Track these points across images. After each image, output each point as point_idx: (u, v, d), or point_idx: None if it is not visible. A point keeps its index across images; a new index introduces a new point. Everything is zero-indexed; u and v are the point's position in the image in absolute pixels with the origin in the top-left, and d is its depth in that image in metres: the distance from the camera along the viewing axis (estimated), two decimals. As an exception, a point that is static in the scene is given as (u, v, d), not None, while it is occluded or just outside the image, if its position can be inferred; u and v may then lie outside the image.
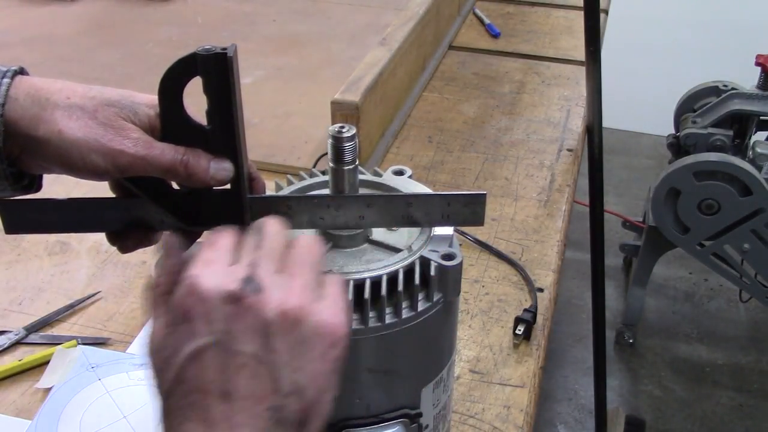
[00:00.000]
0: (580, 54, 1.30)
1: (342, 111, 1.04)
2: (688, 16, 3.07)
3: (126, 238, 0.56)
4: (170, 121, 0.52)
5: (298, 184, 0.62)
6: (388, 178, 0.63)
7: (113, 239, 0.56)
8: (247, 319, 0.43)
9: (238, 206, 0.55)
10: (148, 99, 0.53)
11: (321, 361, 0.44)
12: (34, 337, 0.84)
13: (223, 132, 0.52)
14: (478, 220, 0.56)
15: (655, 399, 2.13)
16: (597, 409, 1.69)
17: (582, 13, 1.21)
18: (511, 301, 0.92)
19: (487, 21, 1.68)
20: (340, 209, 0.55)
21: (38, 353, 0.81)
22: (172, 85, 0.51)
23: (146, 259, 0.95)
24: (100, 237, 0.99)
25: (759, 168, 1.86)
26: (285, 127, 1.22)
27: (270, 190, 0.62)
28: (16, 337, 0.83)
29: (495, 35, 1.63)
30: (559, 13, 1.76)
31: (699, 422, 2.06)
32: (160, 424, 0.43)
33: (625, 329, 2.26)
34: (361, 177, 0.60)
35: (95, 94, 0.52)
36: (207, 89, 0.50)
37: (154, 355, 0.45)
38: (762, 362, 2.23)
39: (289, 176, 0.63)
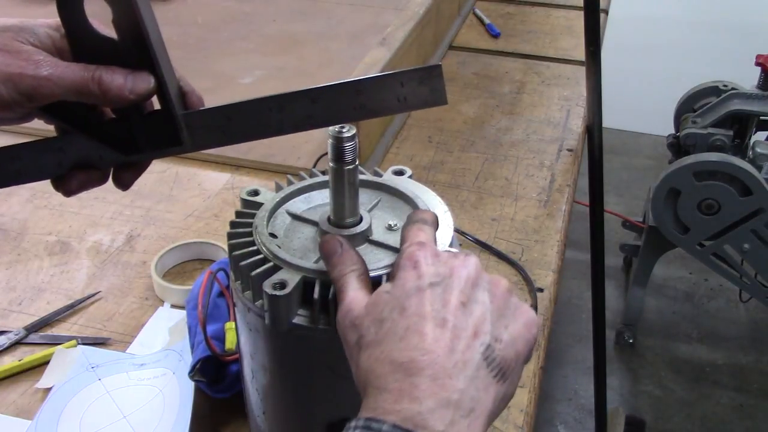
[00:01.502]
0: (580, 54, 1.30)
1: (342, 111, 1.04)
2: (688, 16, 3.07)
3: (68, 180, 0.53)
4: (77, 40, 0.49)
5: (298, 184, 0.62)
6: (388, 178, 0.63)
7: (56, 184, 0.53)
8: (469, 270, 0.48)
9: (171, 124, 0.51)
10: (51, 21, 0.51)
11: (522, 330, 0.47)
12: (34, 337, 0.84)
13: (135, 41, 0.48)
14: (439, 99, 0.51)
15: (655, 399, 2.13)
16: (597, 409, 1.69)
17: (582, 13, 1.21)
18: (511, 301, 0.92)
19: (487, 21, 1.68)
20: (284, 111, 0.51)
21: (38, 353, 0.81)
22: None
23: (146, 259, 0.95)
24: (100, 237, 1.00)
25: (759, 168, 1.86)
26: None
27: (270, 191, 0.62)
28: (16, 337, 0.83)
29: (495, 35, 1.63)
30: (559, 13, 1.76)
31: (699, 422, 2.06)
32: (362, 356, 0.46)
33: (625, 329, 2.26)
34: (361, 177, 0.60)
35: None
36: None
37: (367, 305, 0.48)
38: (762, 362, 2.23)
39: (289, 176, 0.63)
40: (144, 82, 0.49)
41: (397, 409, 0.41)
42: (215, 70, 1.40)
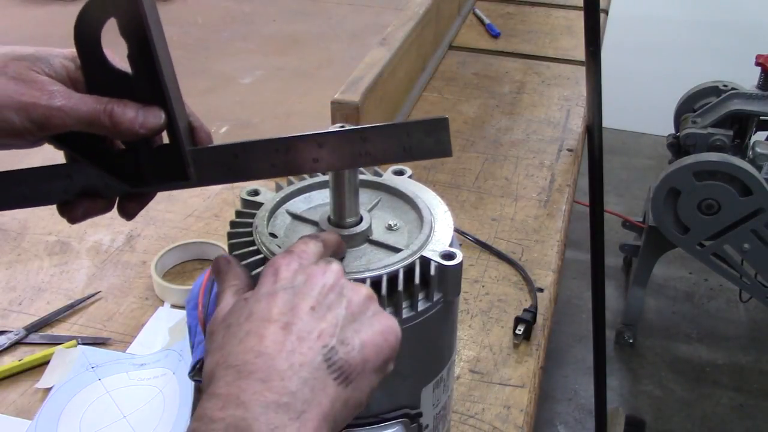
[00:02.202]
0: (580, 54, 1.30)
1: (342, 111, 1.04)
2: (688, 16, 3.07)
3: (74, 207, 0.54)
4: (92, 72, 0.50)
5: (298, 184, 0.62)
6: (388, 178, 0.63)
7: (62, 210, 0.54)
8: (327, 277, 0.48)
9: (178, 160, 0.52)
10: (67, 51, 0.51)
11: (376, 337, 0.46)
12: (34, 337, 0.84)
13: (148, 76, 0.49)
14: (444, 150, 0.51)
15: (655, 399, 2.13)
16: (597, 409, 1.69)
17: (582, 13, 1.21)
18: (511, 301, 0.92)
19: (487, 21, 1.68)
20: (290, 152, 0.52)
21: (38, 353, 0.81)
22: (86, 30, 0.48)
23: (146, 259, 0.95)
24: (100, 237, 1.00)
25: (759, 168, 1.86)
26: (285, 127, 1.22)
27: (270, 191, 0.62)
28: (16, 337, 0.83)
29: (495, 35, 1.63)
30: (559, 13, 1.76)
31: (699, 422, 2.06)
32: (209, 358, 0.45)
33: (625, 329, 2.26)
34: (361, 177, 0.60)
35: (6, 51, 0.50)
36: (122, 30, 0.48)
37: (224, 314, 0.47)
38: (762, 362, 2.23)
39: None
40: (155, 117, 0.50)
41: (222, 416, 0.40)
42: (215, 70, 1.39)
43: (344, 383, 0.44)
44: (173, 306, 0.88)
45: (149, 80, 0.49)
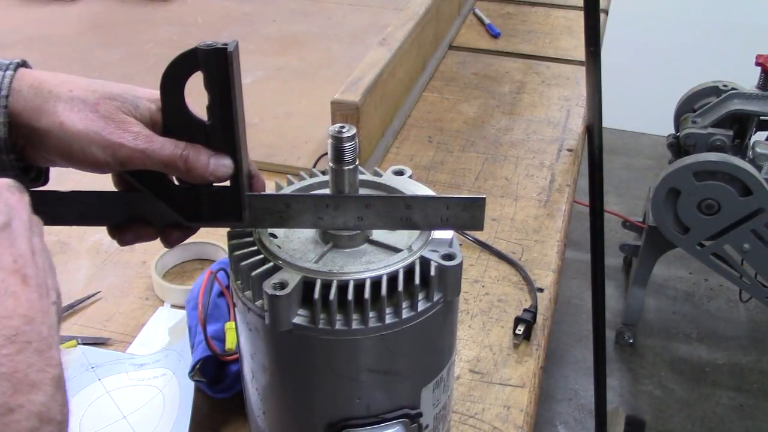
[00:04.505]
0: (580, 54, 1.30)
1: (342, 111, 1.04)
2: (688, 16, 3.07)
3: (125, 231, 0.56)
4: (171, 116, 0.53)
5: (298, 184, 0.62)
6: (388, 178, 0.63)
7: (113, 232, 0.57)
8: (26, 206, 0.42)
9: (236, 203, 0.55)
10: (150, 94, 0.54)
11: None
12: (34, 337, 0.83)
13: (223, 128, 0.53)
14: (477, 225, 0.56)
15: (655, 399, 2.13)
16: (597, 409, 1.69)
17: (582, 13, 1.21)
18: (511, 301, 0.92)
19: (487, 21, 1.67)
20: (338, 209, 0.55)
21: (38, 353, 0.80)
22: (173, 79, 0.52)
23: (146, 259, 0.95)
24: (100, 237, 1.00)
25: (759, 168, 1.86)
26: (285, 127, 1.22)
27: (270, 190, 0.62)
28: (16, 337, 0.83)
29: (495, 35, 1.63)
30: (559, 13, 1.76)
31: (699, 422, 2.06)
32: None
33: (625, 329, 2.26)
34: (361, 177, 0.60)
35: (97, 87, 0.52)
36: (207, 84, 0.51)
37: None
38: (762, 362, 2.23)
39: (289, 176, 0.63)
40: (225, 167, 0.53)
41: (19, 402, 0.34)
42: (215, 70, 1.39)
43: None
44: (173, 306, 0.88)
45: (223, 130, 0.53)
